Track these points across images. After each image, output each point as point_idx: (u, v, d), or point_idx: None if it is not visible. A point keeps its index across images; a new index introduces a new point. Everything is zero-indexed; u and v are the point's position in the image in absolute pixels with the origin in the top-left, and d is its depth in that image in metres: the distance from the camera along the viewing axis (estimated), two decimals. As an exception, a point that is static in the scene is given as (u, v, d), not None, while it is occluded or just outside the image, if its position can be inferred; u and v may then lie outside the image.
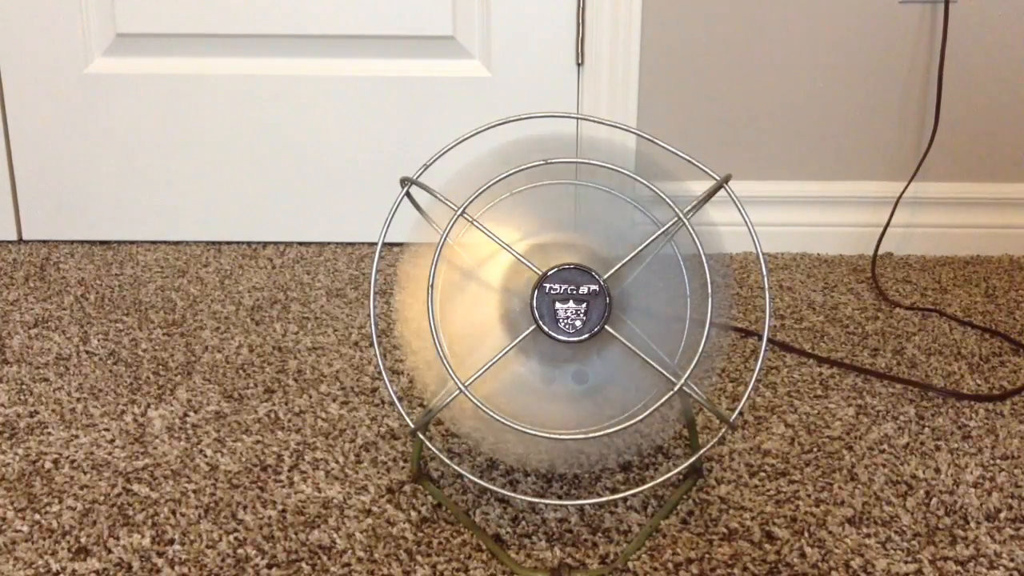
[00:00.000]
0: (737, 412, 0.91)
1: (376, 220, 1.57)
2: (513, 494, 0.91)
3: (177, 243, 1.59)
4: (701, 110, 1.56)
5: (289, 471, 0.99)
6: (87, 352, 1.23)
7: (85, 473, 0.99)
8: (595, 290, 0.83)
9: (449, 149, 0.87)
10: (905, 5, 1.51)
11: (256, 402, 1.12)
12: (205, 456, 1.02)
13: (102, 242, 1.59)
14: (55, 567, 0.86)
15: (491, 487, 0.88)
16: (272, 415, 1.10)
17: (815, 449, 1.04)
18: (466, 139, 0.86)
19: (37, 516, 0.93)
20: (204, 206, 1.58)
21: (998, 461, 1.03)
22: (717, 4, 1.51)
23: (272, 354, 1.23)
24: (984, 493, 0.97)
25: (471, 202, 0.84)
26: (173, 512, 0.93)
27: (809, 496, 0.96)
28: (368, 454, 1.02)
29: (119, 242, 1.59)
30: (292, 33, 1.52)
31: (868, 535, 0.91)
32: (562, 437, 0.84)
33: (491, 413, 0.83)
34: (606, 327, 0.83)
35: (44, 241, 1.59)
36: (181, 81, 1.54)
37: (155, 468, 1.00)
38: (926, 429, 1.08)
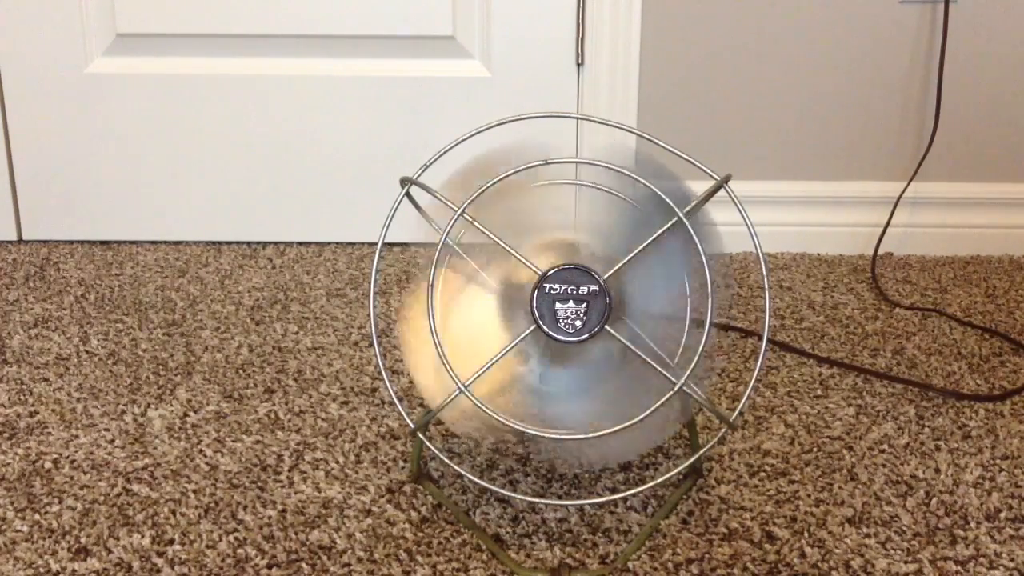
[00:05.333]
0: (737, 412, 0.91)
1: (376, 220, 1.56)
2: (513, 494, 0.91)
3: (177, 243, 1.59)
4: (701, 110, 1.56)
5: (289, 471, 1.00)
6: (87, 352, 1.23)
7: (85, 473, 0.99)
8: (595, 290, 0.83)
9: (449, 149, 0.87)
10: (905, 5, 1.51)
11: (256, 402, 1.12)
12: (205, 456, 1.02)
13: (102, 242, 1.59)
14: (55, 567, 0.86)
15: (491, 487, 0.88)
16: (272, 415, 1.10)
17: (815, 449, 1.04)
18: (466, 139, 0.86)
19: (37, 516, 0.93)
20: (204, 206, 1.58)
21: (998, 461, 1.03)
22: (717, 4, 1.51)
23: (272, 354, 1.23)
24: (984, 493, 0.97)
25: (471, 202, 0.84)
26: (173, 512, 0.93)
27: (809, 496, 0.96)
28: (368, 454, 1.02)
29: (119, 242, 1.59)
30: (292, 33, 1.52)
31: (868, 535, 0.91)
32: (562, 437, 0.84)
33: (491, 413, 0.83)
34: (606, 327, 0.83)
35: (44, 241, 1.59)
36: (181, 81, 1.54)
37: (155, 468, 1.00)
38: (926, 429, 1.08)
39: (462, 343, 0.87)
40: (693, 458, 0.89)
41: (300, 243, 1.59)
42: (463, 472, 0.88)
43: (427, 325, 0.84)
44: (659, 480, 0.88)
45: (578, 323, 0.83)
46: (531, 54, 1.52)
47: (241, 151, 1.56)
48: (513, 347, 0.84)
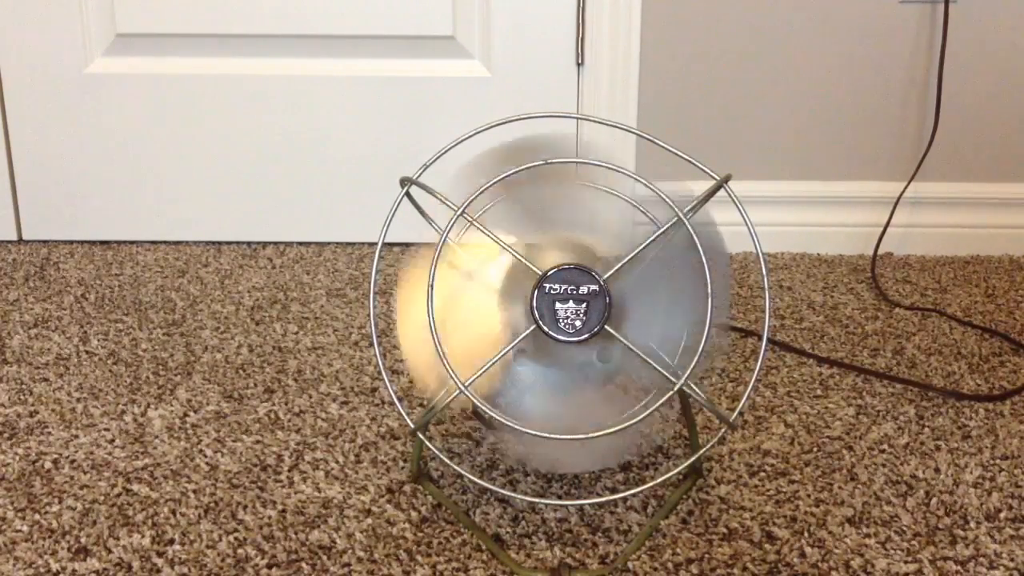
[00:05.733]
0: (737, 412, 0.91)
1: (376, 220, 1.56)
2: (513, 494, 0.91)
3: (177, 243, 1.59)
4: (701, 110, 1.56)
5: (289, 471, 1.00)
6: (87, 352, 1.23)
7: (85, 473, 0.99)
8: (595, 290, 0.83)
9: (449, 149, 0.87)
10: (905, 5, 1.51)
11: (256, 402, 1.12)
12: (205, 456, 1.02)
13: (102, 242, 1.59)
14: (55, 567, 0.86)
15: (491, 487, 0.88)
16: (272, 415, 1.10)
17: (815, 449, 1.04)
18: (466, 139, 0.86)
19: (37, 516, 0.93)
20: (204, 206, 1.58)
21: (998, 461, 1.03)
22: (717, 4, 1.51)
23: (272, 354, 1.23)
24: (984, 493, 0.97)
25: (471, 202, 0.84)
26: (173, 512, 0.93)
27: (809, 496, 0.96)
28: (368, 454, 1.02)
29: (119, 242, 1.59)
30: (292, 33, 1.52)
31: (868, 535, 0.91)
32: (562, 437, 0.84)
33: (491, 413, 0.83)
34: (606, 327, 0.83)
35: (44, 241, 1.59)
36: (181, 81, 1.54)
37: (155, 468, 1.00)
38: (926, 429, 1.08)
39: (457, 322, 0.87)
40: (693, 458, 0.89)
41: (300, 243, 1.59)
42: (463, 472, 0.88)
43: (418, 317, 0.84)
44: (659, 480, 0.88)
45: (578, 323, 0.83)
46: (531, 54, 1.52)
47: (241, 151, 1.56)
48: (513, 347, 0.84)
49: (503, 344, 0.85)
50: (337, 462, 1.01)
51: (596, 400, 0.88)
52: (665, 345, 0.88)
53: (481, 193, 0.85)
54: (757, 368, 0.88)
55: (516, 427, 0.84)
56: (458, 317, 0.88)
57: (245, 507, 0.94)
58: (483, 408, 0.84)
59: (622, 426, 0.84)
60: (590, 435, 0.84)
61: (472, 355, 0.86)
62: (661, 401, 0.83)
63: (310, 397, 1.13)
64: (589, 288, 0.83)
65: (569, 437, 0.84)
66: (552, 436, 0.84)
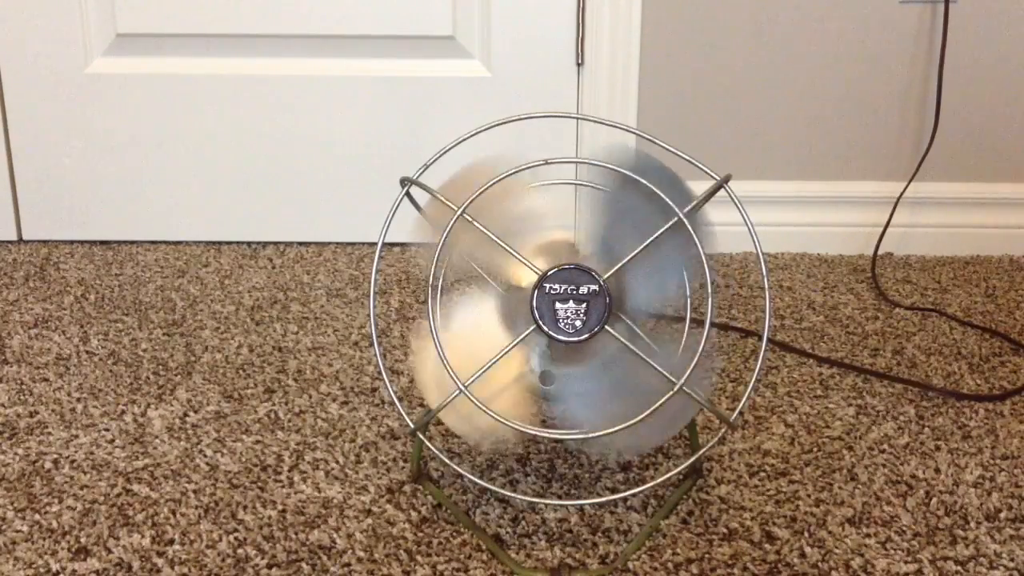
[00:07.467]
0: (737, 412, 0.92)
1: (376, 220, 1.56)
2: (513, 494, 0.91)
3: (177, 243, 1.59)
4: (701, 110, 1.56)
5: (289, 471, 1.00)
6: (87, 352, 1.23)
7: (85, 473, 0.99)
8: (595, 290, 0.83)
9: (449, 149, 0.87)
10: (905, 5, 1.51)
11: (256, 402, 1.12)
12: (205, 456, 1.02)
13: (102, 242, 1.59)
14: (55, 567, 0.86)
15: (491, 487, 0.88)
16: (272, 415, 1.10)
17: (815, 449, 1.04)
18: (466, 139, 0.86)
19: (37, 516, 0.93)
20: (204, 206, 1.58)
21: (998, 461, 1.03)
22: (717, 4, 1.51)
23: (272, 354, 1.23)
24: (984, 493, 0.97)
25: (471, 202, 0.85)
26: (173, 512, 0.93)
27: (809, 496, 0.96)
28: (368, 454, 1.02)
29: (119, 242, 1.59)
30: (292, 33, 1.52)
31: (868, 535, 0.91)
32: (562, 437, 0.84)
33: (491, 413, 0.83)
34: (606, 327, 0.83)
35: (44, 241, 1.59)
36: (181, 81, 1.54)
37: (155, 468, 1.00)
38: (926, 429, 1.08)
39: (468, 353, 0.87)
40: (693, 458, 0.89)
41: (300, 243, 1.59)
42: (463, 472, 0.88)
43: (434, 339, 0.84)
44: (659, 480, 0.88)
45: (578, 323, 0.83)
46: (531, 54, 1.52)
47: (241, 151, 1.56)
48: (513, 347, 0.84)
49: (502, 339, 0.85)
50: (337, 462, 1.01)
51: (629, 371, 0.87)
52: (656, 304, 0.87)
53: (481, 193, 0.85)
54: (757, 368, 0.88)
55: (517, 427, 0.84)
56: (458, 314, 0.88)
57: (245, 507, 0.94)
58: (483, 410, 0.83)
59: (622, 427, 0.84)
60: (589, 435, 0.84)
61: (471, 351, 0.86)
62: (661, 401, 0.83)
63: (310, 397, 1.13)
64: (589, 288, 0.83)
65: (569, 437, 0.84)
66: (552, 434, 0.84)
